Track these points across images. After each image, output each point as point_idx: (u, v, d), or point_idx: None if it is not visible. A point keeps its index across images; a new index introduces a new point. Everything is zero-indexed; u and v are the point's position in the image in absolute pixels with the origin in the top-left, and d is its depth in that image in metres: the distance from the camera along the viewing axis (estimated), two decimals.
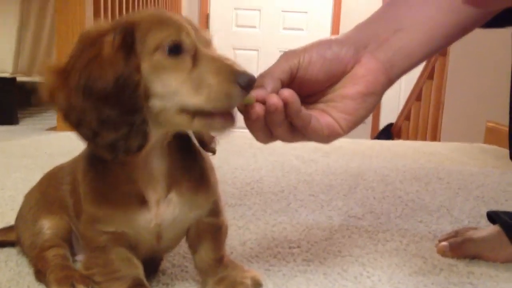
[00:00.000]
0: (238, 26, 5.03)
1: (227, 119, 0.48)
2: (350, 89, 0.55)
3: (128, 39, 0.47)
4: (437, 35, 0.58)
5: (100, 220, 0.54)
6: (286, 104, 0.50)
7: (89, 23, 1.80)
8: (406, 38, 0.57)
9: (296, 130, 0.53)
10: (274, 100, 0.50)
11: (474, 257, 0.75)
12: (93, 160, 0.53)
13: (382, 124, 4.25)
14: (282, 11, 5.01)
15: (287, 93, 0.50)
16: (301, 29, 5.04)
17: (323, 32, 5.01)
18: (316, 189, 1.13)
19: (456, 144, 1.96)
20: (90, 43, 0.47)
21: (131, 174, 0.53)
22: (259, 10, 5.01)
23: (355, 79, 0.55)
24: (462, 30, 0.60)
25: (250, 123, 0.52)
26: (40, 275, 0.61)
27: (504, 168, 1.50)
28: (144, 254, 0.58)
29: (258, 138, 0.54)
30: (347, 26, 4.89)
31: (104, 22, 0.50)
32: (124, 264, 0.55)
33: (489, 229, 0.78)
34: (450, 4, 0.58)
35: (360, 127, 0.59)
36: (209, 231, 0.59)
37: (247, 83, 0.47)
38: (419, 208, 1.01)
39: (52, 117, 2.08)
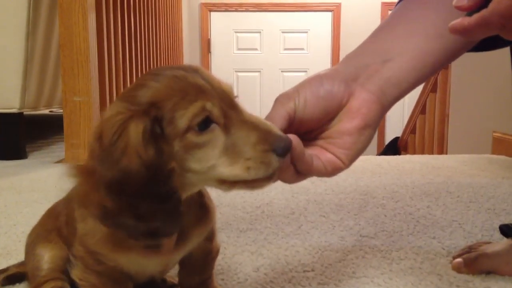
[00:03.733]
0: (239, 49, 5.09)
1: (266, 179, 0.48)
2: (346, 124, 0.55)
3: (157, 128, 0.43)
4: (426, 62, 0.59)
5: (105, 257, 0.52)
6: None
7: (93, 55, 1.82)
8: (395, 67, 0.58)
9: (299, 172, 0.53)
10: None
11: (489, 272, 0.75)
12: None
13: (388, 138, 4.26)
14: (282, 32, 5.07)
15: (291, 138, 0.50)
16: (302, 49, 5.10)
17: (324, 50, 5.07)
18: (327, 209, 1.13)
19: (464, 156, 1.96)
20: (114, 135, 0.43)
21: None
22: (260, 32, 5.07)
23: (351, 114, 0.55)
24: (451, 55, 0.60)
25: None
26: None
27: None
28: (141, 280, 0.58)
29: None
30: (346, 43, 4.96)
31: (121, 104, 0.45)
32: (115, 287, 0.55)
33: (502, 243, 0.77)
34: (436, 31, 0.59)
35: None
36: (199, 253, 0.60)
37: (283, 150, 0.46)
38: (431, 224, 1.01)
39: (60, 150, 2.10)
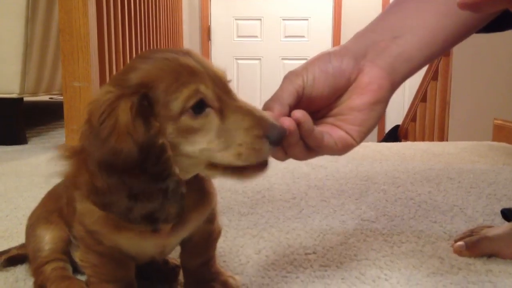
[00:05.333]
0: (239, 36, 5.06)
1: (257, 169, 0.47)
2: (357, 100, 0.55)
3: (145, 103, 0.43)
4: (436, 39, 0.58)
5: (103, 236, 0.52)
6: (298, 124, 0.50)
7: (93, 40, 1.81)
8: (405, 44, 0.57)
9: (310, 148, 0.53)
10: (287, 123, 0.49)
11: (491, 255, 0.75)
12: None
13: (388, 126, 4.25)
14: (282, 19, 5.03)
15: (299, 113, 0.50)
16: (303, 36, 5.06)
17: (325, 38, 5.04)
18: (328, 194, 1.12)
19: (465, 143, 1.95)
20: (102, 115, 0.43)
21: None
22: (260, 20, 5.04)
23: (361, 89, 0.55)
24: (461, 34, 0.60)
25: None
26: None
27: None
28: (142, 261, 0.58)
29: (275, 157, 0.54)
30: (347, 31, 4.93)
31: (110, 86, 0.45)
32: (116, 267, 0.55)
33: (504, 226, 0.77)
34: (448, 8, 0.58)
35: None
36: (200, 235, 0.59)
37: (277, 139, 0.46)
38: (432, 209, 1.01)
39: (60, 136, 2.10)
